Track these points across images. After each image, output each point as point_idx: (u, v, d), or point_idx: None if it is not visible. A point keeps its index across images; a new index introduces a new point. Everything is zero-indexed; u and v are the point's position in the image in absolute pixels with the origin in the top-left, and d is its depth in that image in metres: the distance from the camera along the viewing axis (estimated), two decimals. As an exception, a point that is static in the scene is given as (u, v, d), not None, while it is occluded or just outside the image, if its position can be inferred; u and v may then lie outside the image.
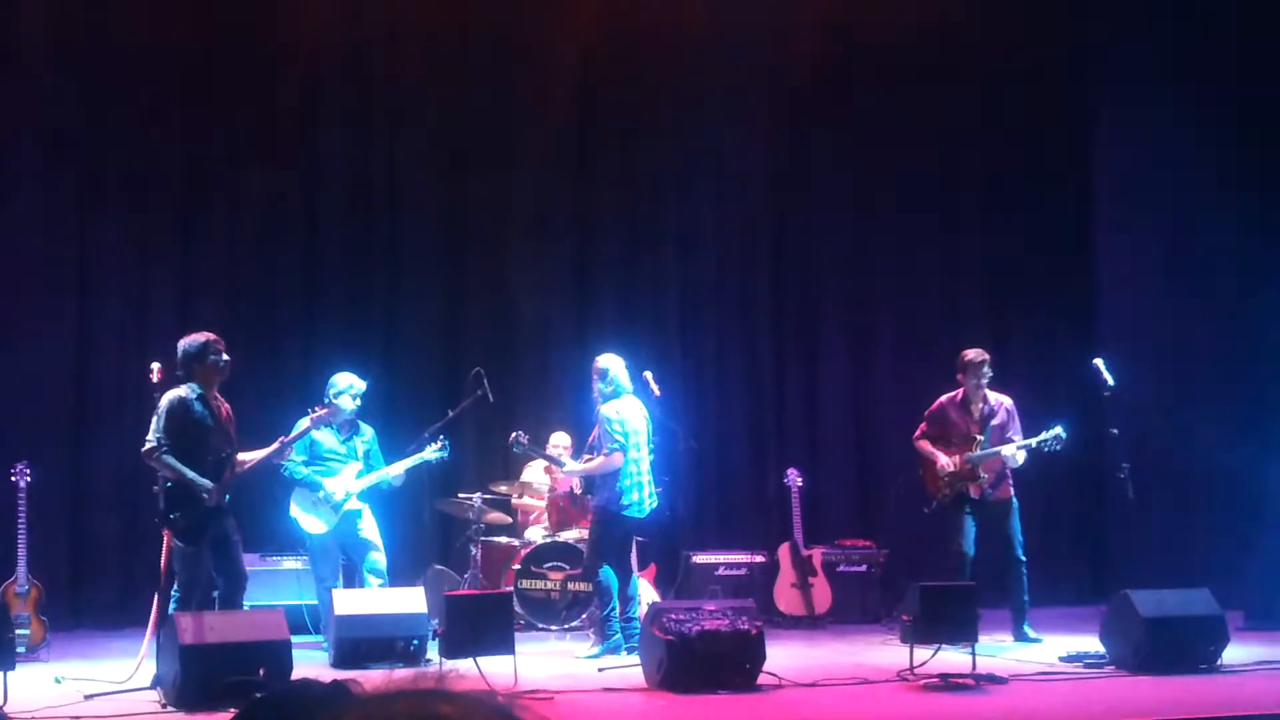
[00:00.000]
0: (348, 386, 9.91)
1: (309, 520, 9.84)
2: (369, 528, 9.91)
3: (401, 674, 1.72)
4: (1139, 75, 13.15)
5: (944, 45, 13.21)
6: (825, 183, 13.28)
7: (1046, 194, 13.33)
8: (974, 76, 13.32)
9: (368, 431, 10.17)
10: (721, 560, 11.47)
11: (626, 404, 9.78)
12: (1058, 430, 9.98)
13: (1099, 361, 10.12)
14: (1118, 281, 13.26)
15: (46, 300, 11.48)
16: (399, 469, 10.04)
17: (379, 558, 9.84)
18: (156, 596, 8.45)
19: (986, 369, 10.28)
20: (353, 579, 10.01)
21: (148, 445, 8.36)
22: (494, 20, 12.63)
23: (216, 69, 11.99)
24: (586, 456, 10.03)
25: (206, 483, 8.31)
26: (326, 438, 9.95)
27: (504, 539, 11.20)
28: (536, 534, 11.19)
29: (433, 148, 12.54)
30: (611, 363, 9.88)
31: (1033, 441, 10.07)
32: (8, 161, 11.53)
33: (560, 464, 10.31)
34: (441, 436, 10.22)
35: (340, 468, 9.93)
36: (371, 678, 1.76)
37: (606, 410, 9.75)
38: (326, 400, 9.83)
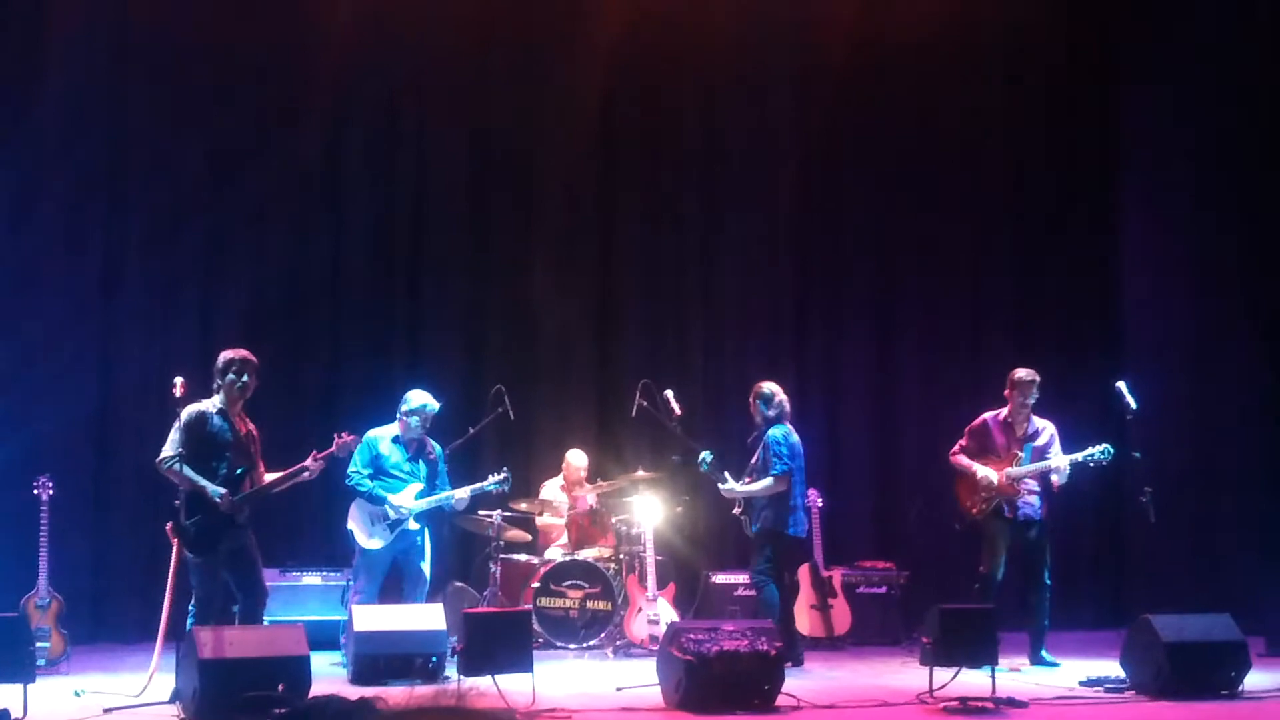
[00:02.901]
0: (421, 405, 9.90)
1: (365, 536, 9.82)
2: (422, 550, 9.89)
3: (422, 692, 1.73)
4: (1166, 95, 13.15)
5: (970, 59, 13.21)
6: (849, 205, 13.27)
7: (1072, 215, 13.31)
8: (1002, 92, 13.31)
9: (434, 451, 10.14)
10: (741, 581, 11.42)
11: (788, 429, 10.13)
12: (1105, 445, 9.89)
13: (1122, 385, 10.09)
14: (1142, 304, 13.23)
15: (70, 316, 11.53)
16: (463, 494, 10.02)
17: (424, 585, 9.86)
18: (165, 610, 8.48)
19: (1035, 390, 10.22)
20: (393, 596, 10.01)
21: (161, 456, 8.43)
22: (519, 43, 12.67)
23: (243, 87, 12.05)
24: (748, 478, 10.19)
25: (218, 489, 8.36)
26: (394, 454, 9.94)
27: (523, 557, 11.21)
28: (556, 552, 11.20)
29: (456, 167, 12.58)
30: (775, 389, 10.27)
31: (1079, 456, 9.96)
32: (33, 177, 11.59)
33: (724, 483, 10.29)
34: (505, 469, 10.20)
35: (403, 486, 9.91)
36: (393, 694, 1.76)
37: (774, 434, 10.10)
38: (399, 414, 9.85)
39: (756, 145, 13.14)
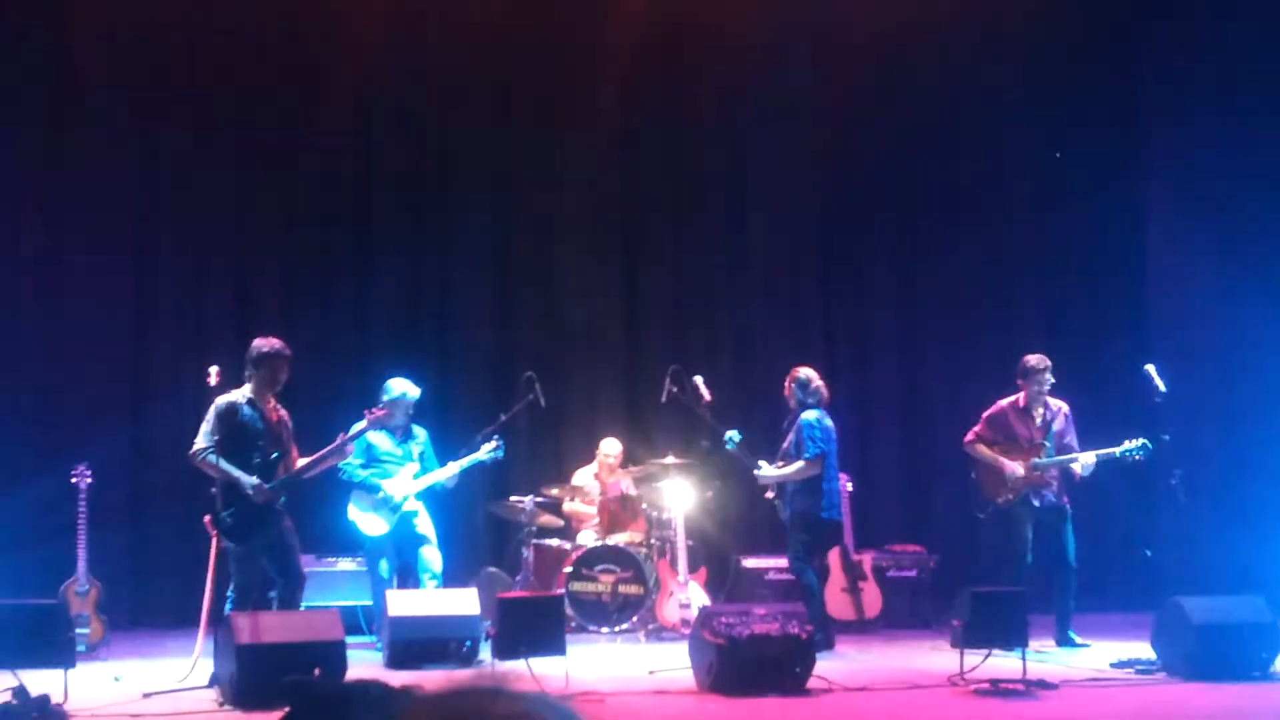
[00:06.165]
0: (400, 394, 10.02)
1: (368, 522, 9.97)
2: (425, 528, 10.04)
3: (463, 674, 1.78)
4: (1194, 81, 13.10)
5: (994, 44, 13.18)
6: (874, 190, 13.29)
7: (1099, 198, 13.27)
8: (1026, 80, 13.28)
9: (421, 434, 10.30)
10: (771, 565, 11.48)
11: (822, 413, 10.16)
12: (1143, 441, 9.89)
13: (1150, 367, 10.09)
14: (1170, 287, 13.19)
15: (105, 304, 11.66)
16: (453, 470, 10.15)
17: (435, 557, 9.96)
18: (207, 596, 8.57)
19: (1048, 375, 10.24)
20: (407, 580, 10.12)
21: (194, 448, 8.53)
22: (543, 27, 12.70)
23: (272, 70, 12.15)
24: (780, 463, 10.21)
25: (252, 479, 8.45)
26: (382, 441, 10.08)
27: (556, 542, 11.27)
28: (588, 537, 11.26)
29: (483, 155, 12.63)
30: (812, 374, 10.28)
31: (1116, 451, 9.97)
32: (63, 169, 11.71)
33: (756, 467, 10.33)
34: (496, 437, 10.32)
35: (397, 470, 10.06)
36: (432, 678, 1.82)
37: (808, 417, 10.10)
38: (382, 402, 9.96)
39: (780, 130, 13.12)
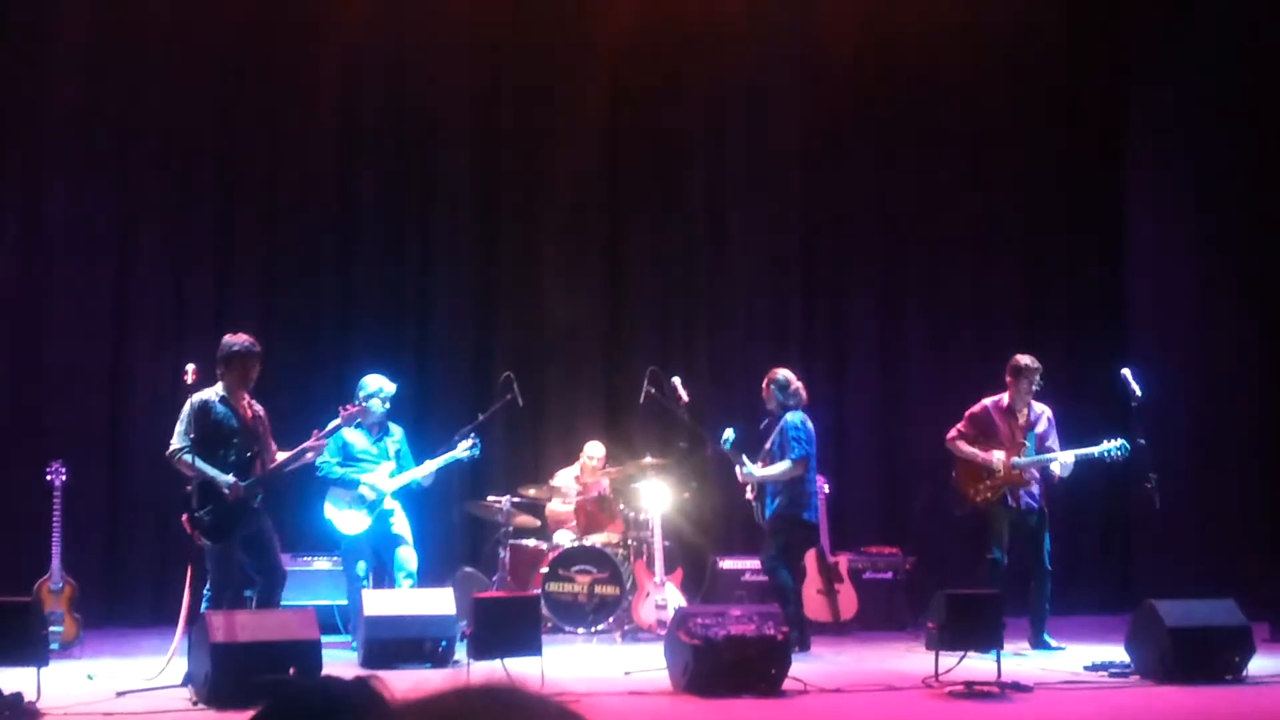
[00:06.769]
0: (377, 389, 10.01)
1: (344, 520, 9.95)
2: (401, 527, 10.02)
3: (459, 675, 1.77)
4: (1175, 85, 13.15)
5: (976, 50, 13.21)
6: (857, 191, 13.29)
7: (1079, 201, 13.32)
8: (1009, 84, 13.31)
9: (397, 432, 10.29)
10: (748, 566, 11.47)
11: (804, 415, 10.20)
12: (1122, 441, 9.93)
13: (1127, 371, 10.11)
14: (1148, 290, 13.25)
15: (84, 300, 11.61)
16: (430, 468, 10.15)
17: (410, 557, 9.94)
18: (186, 595, 8.55)
19: (1038, 378, 10.25)
20: (383, 579, 10.11)
21: (170, 448, 8.50)
22: (528, 33, 12.69)
23: (255, 68, 12.14)
24: (761, 464, 10.23)
25: (227, 478, 8.42)
26: (358, 439, 10.06)
27: (532, 542, 11.26)
28: (565, 537, 11.25)
29: (466, 153, 12.62)
30: (790, 375, 10.33)
31: (1095, 450, 10.01)
32: (44, 166, 11.67)
33: (743, 465, 10.32)
34: (473, 435, 10.32)
35: (373, 468, 10.04)
36: (402, 678, 1.80)
37: (792, 419, 10.15)
38: (357, 400, 9.94)
39: (763, 134, 13.14)
